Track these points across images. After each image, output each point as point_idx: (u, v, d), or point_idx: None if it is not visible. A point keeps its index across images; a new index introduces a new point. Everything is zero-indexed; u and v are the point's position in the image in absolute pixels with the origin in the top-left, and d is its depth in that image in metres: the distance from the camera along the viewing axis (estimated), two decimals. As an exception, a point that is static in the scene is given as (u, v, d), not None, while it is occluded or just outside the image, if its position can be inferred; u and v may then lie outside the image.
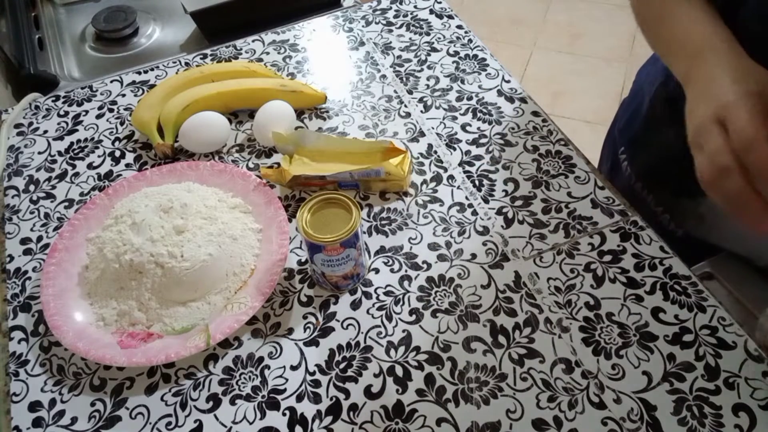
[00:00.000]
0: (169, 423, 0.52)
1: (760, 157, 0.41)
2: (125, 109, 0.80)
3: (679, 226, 0.72)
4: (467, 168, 0.70)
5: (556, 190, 0.67)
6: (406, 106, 0.77)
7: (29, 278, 0.63)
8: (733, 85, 0.45)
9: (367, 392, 0.53)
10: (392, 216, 0.66)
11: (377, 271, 0.61)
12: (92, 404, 0.54)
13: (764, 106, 0.43)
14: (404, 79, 0.81)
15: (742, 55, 0.47)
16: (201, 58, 0.86)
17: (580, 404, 0.51)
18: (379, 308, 0.59)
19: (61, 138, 0.77)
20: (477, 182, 0.68)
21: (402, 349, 0.56)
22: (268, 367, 0.55)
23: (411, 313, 0.58)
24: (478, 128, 0.74)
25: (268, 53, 0.86)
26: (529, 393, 0.52)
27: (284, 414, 0.52)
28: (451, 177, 0.69)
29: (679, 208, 0.71)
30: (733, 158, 0.42)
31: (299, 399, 0.53)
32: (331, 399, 0.53)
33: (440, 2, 0.92)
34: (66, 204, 0.70)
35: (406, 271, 0.61)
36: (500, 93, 0.78)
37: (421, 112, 0.76)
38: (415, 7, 0.92)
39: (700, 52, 0.49)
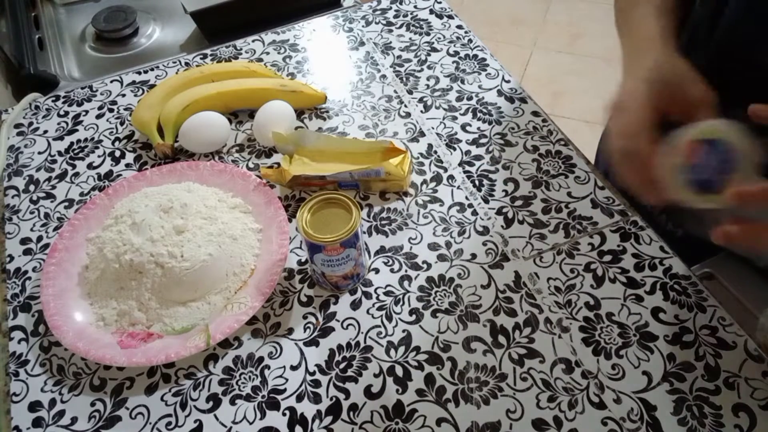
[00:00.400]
0: (169, 423, 0.52)
1: (638, 145, 0.45)
2: (125, 109, 0.80)
3: (678, 227, 0.72)
4: (467, 168, 0.70)
5: (556, 190, 0.67)
6: (406, 106, 0.77)
7: (29, 278, 0.63)
8: (638, 72, 0.48)
9: (367, 392, 0.53)
10: (392, 216, 0.66)
11: (377, 271, 0.61)
12: (92, 404, 0.54)
13: (662, 93, 0.46)
14: (404, 79, 0.81)
15: (672, 50, 0.50)
16: (201, 58, 0.86)
17: (580, 404, 0.51)
18: (379, 308, 0.59)
19: (61, 138, 0.77)
20: (477, 182, 0.68)
21: (402, 349, 0.56)
22: (268, 367, 0.55)
23: (411, 313, 0.58)
24: (478, 128, 0.74)
25: (268, 53, 0.86)
26: (529, 393, 0.52)
27: (284, 414, 0.52)
28: (451, 177, 0.69)
29: (678, 209, 0.71)
30: (626, 144, 0.46)
31: (299, 399, 0.53)
32: (331, 399, 0.53)
33: (440, 2, 0.92)
34: (66, 204, 0.70)
35: (406, 271, 0.61)
36: (500, 93, 0.78)
37: (421, 112, 0.76)
38: (415, 7, 0.92)
39: (638, 44, 0.53)
